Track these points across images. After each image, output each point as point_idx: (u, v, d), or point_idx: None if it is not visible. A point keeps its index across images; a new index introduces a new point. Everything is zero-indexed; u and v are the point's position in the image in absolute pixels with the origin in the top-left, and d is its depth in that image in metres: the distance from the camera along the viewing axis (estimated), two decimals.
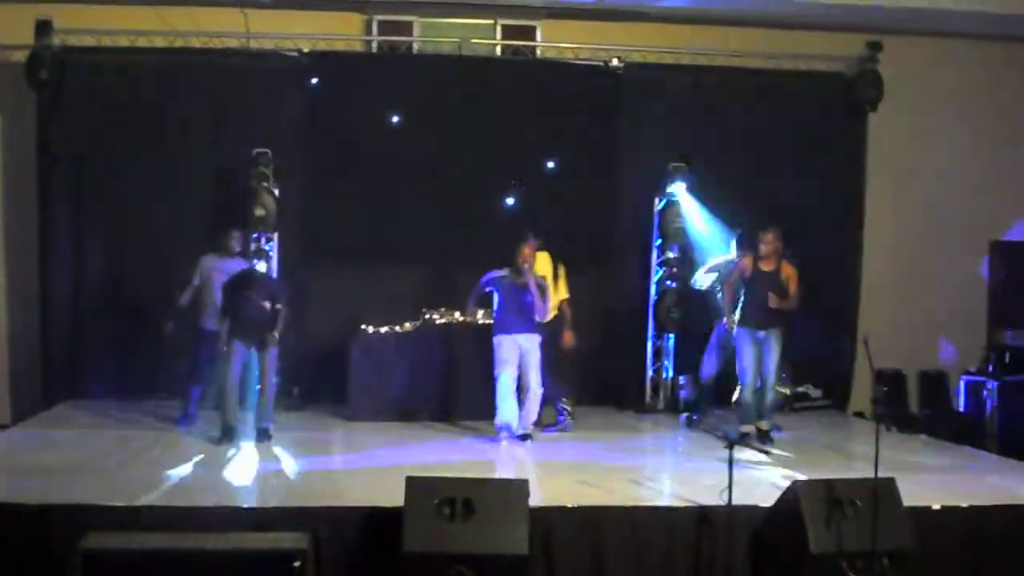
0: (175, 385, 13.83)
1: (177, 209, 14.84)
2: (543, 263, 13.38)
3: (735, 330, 12.71)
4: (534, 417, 12.69)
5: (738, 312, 12.69)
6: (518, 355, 12.55)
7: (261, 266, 12.53)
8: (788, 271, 12.54)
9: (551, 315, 13.01)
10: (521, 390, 12.61)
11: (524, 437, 12.50)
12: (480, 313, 13.59)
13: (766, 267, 12.51)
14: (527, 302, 12.59)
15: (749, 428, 12.50)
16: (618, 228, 15.75)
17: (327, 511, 9.06)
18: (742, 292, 12.68)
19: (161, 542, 8.42)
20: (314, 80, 15.04)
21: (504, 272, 12.78)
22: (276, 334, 12.08)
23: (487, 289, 12.90)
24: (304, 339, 14.43)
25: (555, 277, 13.43)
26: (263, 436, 12.08)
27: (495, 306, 12.92)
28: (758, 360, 12.50)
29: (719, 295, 13.61)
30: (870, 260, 16.22)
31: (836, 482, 8.88)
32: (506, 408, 12.50)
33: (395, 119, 15.08)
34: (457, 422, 13.62)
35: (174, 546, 8.40)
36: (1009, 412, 14.49)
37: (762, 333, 12.47)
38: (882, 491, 8.70)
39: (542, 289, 12.71)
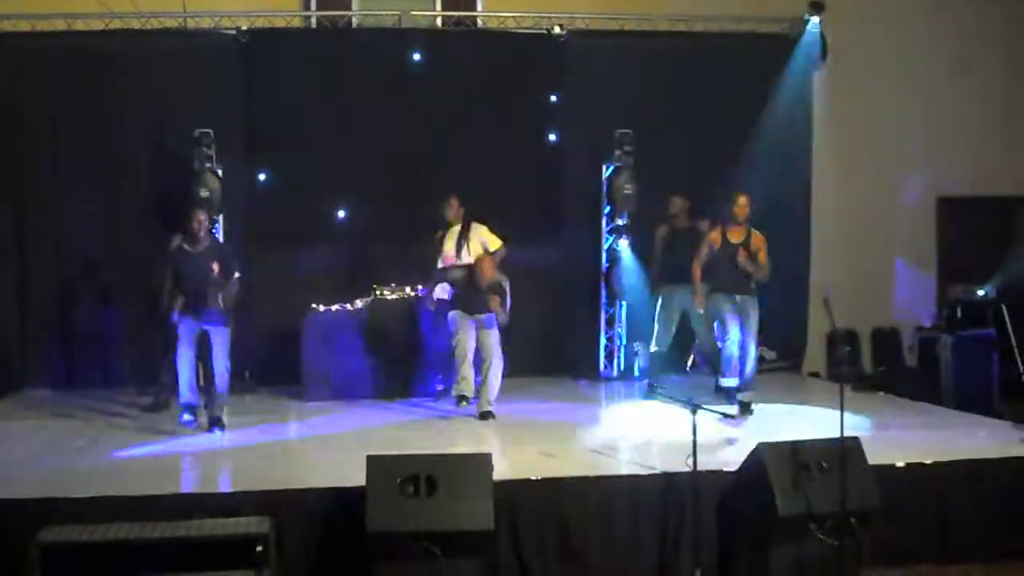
0: (132, 375, 13.89)
1: (121, 193, 14.66)
2: (479, 233, 13.37)
3: (708, 299, 12.66)
4: (495, 393, 12.36)
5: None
6: (474, 329, 12.40)
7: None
8: (758, 241, 12.51)
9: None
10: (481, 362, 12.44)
11: (485, 415, 12.21)
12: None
13: (735, 238, 12.44)
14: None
15: (733, 382, 12.57)
16: (566, 196, 15.65)
17: (288, 494, 8.93)
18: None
19: (120, 532, 8.28)
20: (254, 59, 14.83)
21: (462, 272, 12.67)
22: (221, 302, 11.59)
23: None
24: (254, 320, 14.22)
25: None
26: (216, 425, 11.65)
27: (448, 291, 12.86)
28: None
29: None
30: (819, 220, 16.18)
31: (801, 444, 8.83)
32: (464, 376, 12.43)
33: (338, 95, 14.93)
34: (414, 398, 13.51)
35: (133, 536, 8.26)
36: (963, 367, 14.51)
37: (738, 297, 12.43)
38: (848, 451, 8.64)
39: (501, 293, 12.47)
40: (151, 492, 9.00)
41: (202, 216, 11.76)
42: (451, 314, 12.56)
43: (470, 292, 12.37)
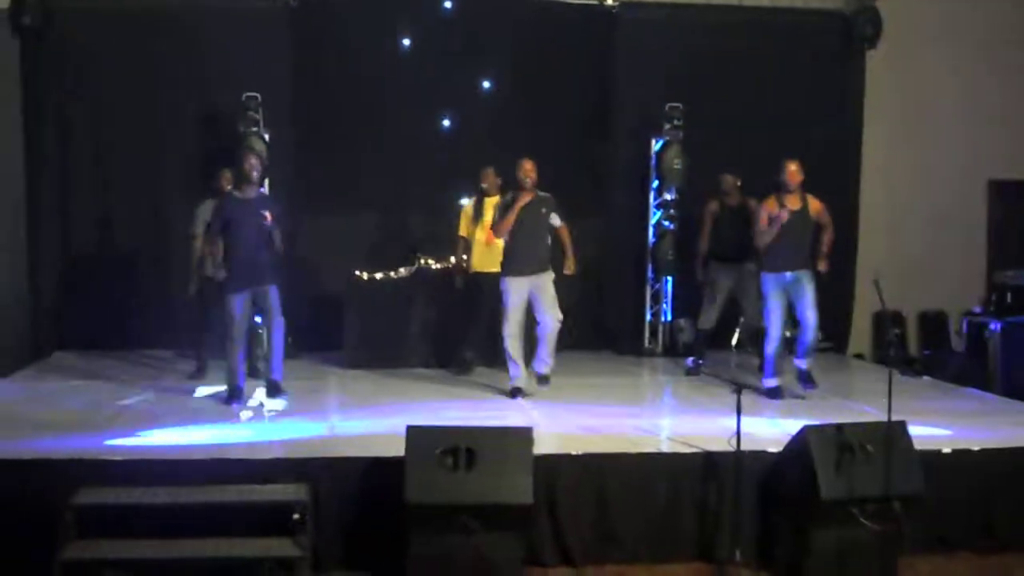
0: (176, 337, 13.89)
1: (166, 156, 14.64)
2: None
3: (762, 275, 12.09)
4: (551, 351, 11.94)
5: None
6: (527, 299, 11.86)
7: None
8: (816, 206, 11.96)
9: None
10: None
11: (542, 379, 11.99)
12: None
13: (793, 205, 11.81)
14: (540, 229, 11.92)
15: (778, 381, 12.01)
16: (614, 169, 15.59)
17: (326, 462, 8.90)
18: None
19: (156, 496, 8.29)
20: (302, 22, 14.75)
21: (509, 195, 12.07)
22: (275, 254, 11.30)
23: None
24: (297, 286, 14.13)
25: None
26: (273, 390, 11.51)
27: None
28: (789, 307, 11.94)
29: None
30: (867, 200, 16.03)
31: (847, 426, 8.71)
32: (517, 367, 11.99)
33: (385, 63, 14.86)
34: (455, 368, 13.40)
35: (170, 500, 8.27)
36: (1012, 353, 14.30)
37: (791, 275, 11.83)
38: (893, 435, 8.54)
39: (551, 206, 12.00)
40: (187, 457, 8.99)
41: (254, 160, 11.47)
42: (505, 283, 11.92)
43: (524, 243, 11.82)
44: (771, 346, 11.97)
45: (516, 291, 11.77)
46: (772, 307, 11.93)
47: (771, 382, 11.99)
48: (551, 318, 11.75)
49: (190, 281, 12.64)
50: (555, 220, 11.96)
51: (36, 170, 14.54)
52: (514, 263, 11.83)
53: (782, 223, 11.66)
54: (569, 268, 12.08)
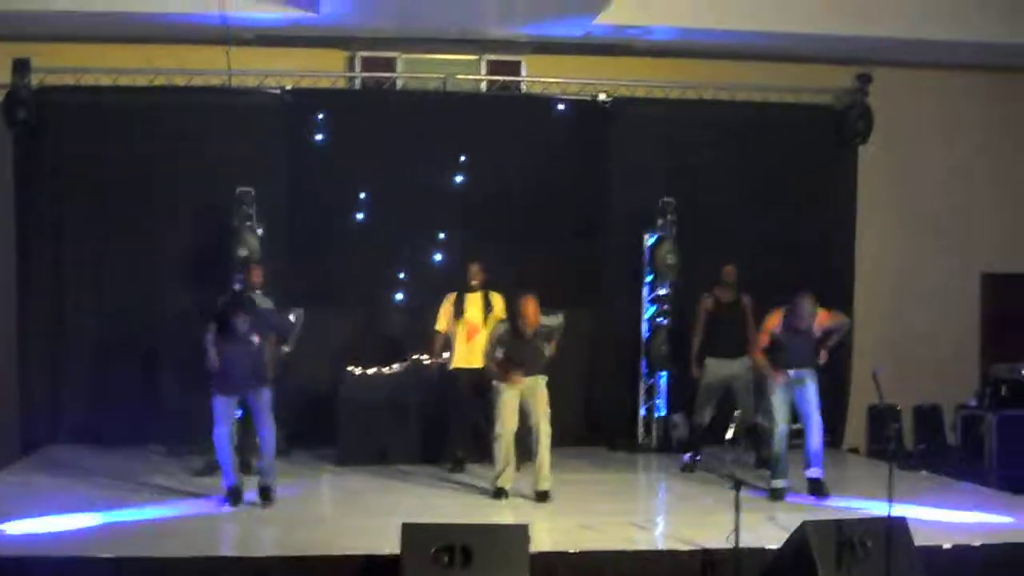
0: (168, 433, 13.79)
1: (160, 249, 14.61)
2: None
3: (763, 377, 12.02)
4: (548, 467, 11.61)
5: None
6: (518, 402, 11.68)
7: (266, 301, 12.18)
8: (823, 319, 11.78)
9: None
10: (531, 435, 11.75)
11: (542, 496, 11.54)
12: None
13: (802, 325, 11.61)
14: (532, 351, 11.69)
15: (785, 483, 11.70)
16: (607, 263, 15.54)
17: (320, 561, 8.78)
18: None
19: None
20: (297, 118, 14.85)
21: (504, 328, 11.83)
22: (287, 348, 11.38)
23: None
24: (289, 381, 14.07)
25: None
26: (266, 496, 11.14)
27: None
28: (793, 403, 11.78)
29: None
30: (861, 294, 16.00)
31: (846, 522, 8.63)
32: (507, 472, 11.70)
33: (379, 157, 14.86)
34: (447, 466, 13.28)
35: None
36: (1007, 446, 14.27)
37: (794, 373, 11.70)
38: (893, 531, 8.46)
39: (547, 335, 11.78)
40: (181, 555, 8.87)
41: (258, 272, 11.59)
42: (497, 386, 11.72)
43: (517, 348, 11.62)
44: (778, 444, 11.81)
45: (509, 391, 11.63)
46: (776, 403, 11.80)
47: (777, 483, 11.73)
48: (544, 425, 11.61)
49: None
50: (547, 349, 11.79)
51: (28, 262, 14.55)
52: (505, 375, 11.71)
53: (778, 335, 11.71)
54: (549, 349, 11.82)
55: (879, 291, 16.39)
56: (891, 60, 15.98)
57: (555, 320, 11.76)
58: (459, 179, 15.12)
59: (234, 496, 11.08)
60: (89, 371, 14.66)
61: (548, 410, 11.64)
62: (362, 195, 14.90)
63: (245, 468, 12.13)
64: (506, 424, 11.60)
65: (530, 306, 11.44)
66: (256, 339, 11.07)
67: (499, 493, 11.64)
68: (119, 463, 13.22)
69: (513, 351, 11.60)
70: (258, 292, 12.90)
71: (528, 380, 11.61)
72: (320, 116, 14.94)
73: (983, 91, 16.88)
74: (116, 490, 11.67)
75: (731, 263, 13.65)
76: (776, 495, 11.57)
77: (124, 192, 14.49)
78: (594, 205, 15.48)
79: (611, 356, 15.37)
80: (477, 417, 13.07)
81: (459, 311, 13.30)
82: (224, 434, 11.08)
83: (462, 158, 15.09)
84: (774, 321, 11.76)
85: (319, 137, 14.90)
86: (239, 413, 11.44)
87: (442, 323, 13.38)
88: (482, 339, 12.63)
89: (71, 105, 14.54)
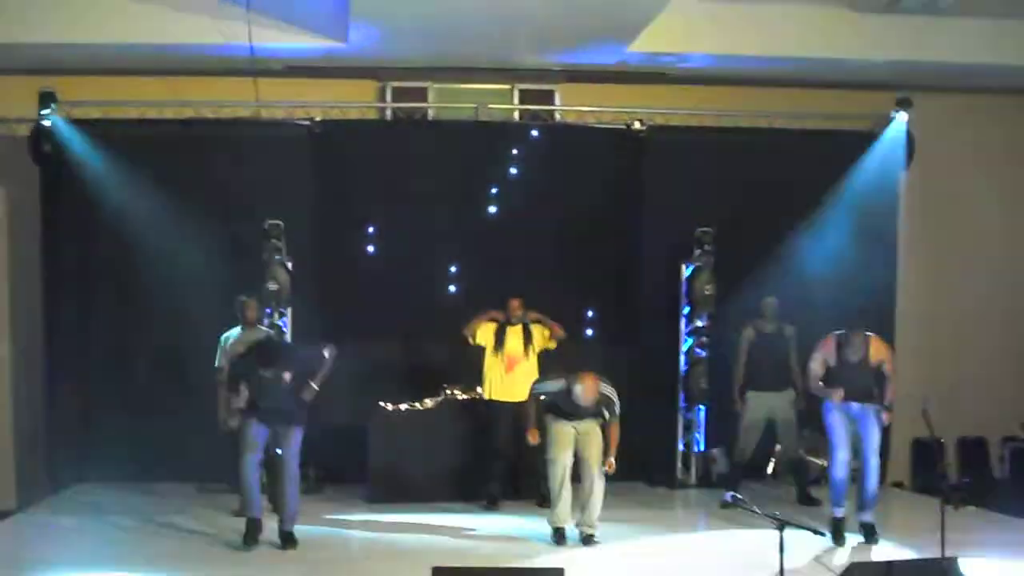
0: (199, 471, 13.69)
1: (188, 283, 14.33)
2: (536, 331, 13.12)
3: (824, 403, 11.41)
4: (597, 513, 11.23)
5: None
6: (574, 441, 11.28)
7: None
8: (878, 350, 11.35)
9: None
10: (579, 480, 11.34)
11: (587, 539, 11.19)
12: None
13: (853, 356, 11.26)
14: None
15: (842, 511, 11.32)
16: (643, 294, 15.25)
17: None
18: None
19: None
20: (327, 150, 14.68)
21: (558, 386, 11.25)
22: (315, 385, 10.98)
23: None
24: (319, 415, 13.80)
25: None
26: (288, 541, 10.82)
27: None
28: (853, 435, 11.33)
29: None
30: (903, 323, 15.65)
31: (897, 564, 8.34)
32: (562, 506, 11.26)
33: (411, 188, 14.69)
34: (483, 504, 13.04)
35: None
36: None
37: (857, 406, 11.27)
38: (945, 572, 8.14)
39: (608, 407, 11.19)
40: None
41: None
42: (548, 420, 11.34)
43: (570, 406, 11.13)
44: (835, 468, 11.36)
45: (562, 430, 11.21)
46: (834, 429, 11.32)
47: (837, 511, 11.32)
48: (597, 475, 11.15)
49: (224, 417, 12.01)
50: (606, 415, 11.16)
51: (55, 299, 14.43)
52: (558, 413, 11.27)
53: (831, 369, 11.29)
54: (609, 466, 11.15)
55: (921, 319, 16.06)
56: (932, 85, 15.66)
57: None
58: (492, 209, 14.94)
59: (251, 530, 10.82)
60: (117, 407, 14.37)
61: (600, 449, 11.16)
62: (391, 225, 14.71)
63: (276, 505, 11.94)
64: (560, 450, 11.15)
65: (590, 383, 10.93)
66: (287, 376, 10.80)
67: (558, 534, 11.25)
68: (145, 503, 13.05)
69: (564, 409, 11.18)
70: (259, 327, 12.89)
71: (582, 425, 11.19)
72: (349, 148, 14.77)
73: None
74: (138, 534, 11.48)
75: (771, 294, 13.39)
76: (835, 526, 11.19)
77: (150, 226, 14.26)
78: (629, 235, 15.23)
79: (649, 389, 15.05)
80: (513, 453, 12.89)
81: (499, 343, 13.15)
82: (251, 462, 10.82)
83: (494, 189, 14.91)
84: (828, 346, 11.37)
85: (348, 169, 14.69)
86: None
87: (476, 335, 13.24)
88: (521, 371, 12.68)
89: (99, 138, 14.30)
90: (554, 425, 11.24)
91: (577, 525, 11.23)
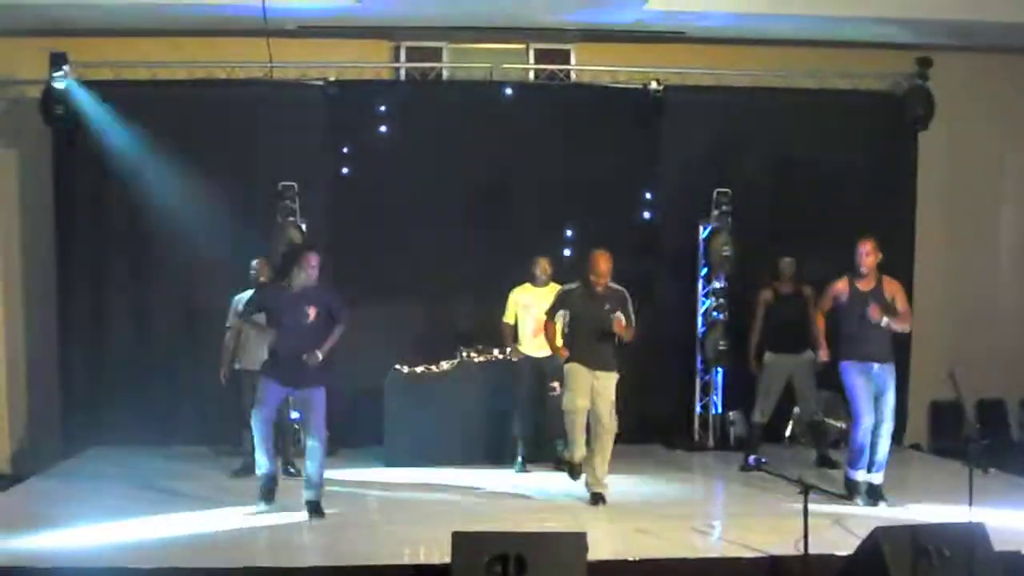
0: (213, 433, 13.62)
1: (200, 246, 14.25)
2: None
3: (841, 364, 11.23)
4: (606, 469, 11.17)
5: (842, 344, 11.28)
6: (591, 390, 11.09)
7: None
8: (892, 287, 11.17)
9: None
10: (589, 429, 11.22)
11: (596, 498, 11.10)
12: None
13: (865, 286, 11.08)
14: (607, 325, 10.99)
15: (863, 474, 11.11)
16: (660, 256, 15.16)
17: (367, 570, 8.51)
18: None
19: None
20: (341, 110, 14.57)
21: (575, 286, 11.34)
22: (319, 353, 10.42)
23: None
24: (336, 378, 13.72)
25: None
26: (313, 511, 10.52)
27: (568, 329, 11.59)
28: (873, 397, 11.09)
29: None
30: (921, 285, 15.45)
31: (922, 528, 8.20)
32: (579, 444, 11.11)
33: (425, 149, 14.56)
34: (501, 467, 12.99)
35: None
36: None
37: (875, 366, 11.06)
38: (973, 537, 8.03)
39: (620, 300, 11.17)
40: (221, 565, 8.61)
41: (314, 259, 10.59)
42: (568, 367, 11.21)
43: (586, 310, 11.11)
44: (860, 434, 11.06)
45: (581, 368, 11.08)
46: (857, 394, 11.06)
47: (859, 475, 11.15)
48: (607, 420, 11.06)
49: (221, 369, 12.38)
50: (619, 316, 11.00)
51: (68, 261, 14.40)
52: (577, 355, 11.17)
53: (843, 305, 11.13)
54: (619, 328, 10.97)
55: (939, 281, 15.95)
56: (951, 45, 15.44)
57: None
58: (507, 171, 14.81)
59: (267, 486, 10.64)
60: (131, 370, 14.42)
61: (613, 405, 11.08)
62: (407, 188, 14.55)
63: (289, 470, 11.87)
64: (577, 399, 11.02)
65: (602, 260, 10.97)
66: (312, 312, 10.47)
67: (572, 469, 11.25)
68: (160, 465, 13.03)
69: (582, 313, 11.13)
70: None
71: (601, 374, 11.07)
72: (363, 108, 14.65)
73: None
74: (154, 495, 11.43)
75: (789, 255, 13.27)
76: (853, 488, 11.09)
77: (163, 188, 14.18)
78: (648, 197, 15.10)
79: (666, 352, 14.96)
80: (541, 412, 12.84)
81: (526, 305, 12.96)
82: (264, 416, 10.49)
83: (510, 149, 14.74)
84: (840, 284, 11.20)
85: (362, 129, 14.61)
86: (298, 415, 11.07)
87: (510, 315, 13.05)
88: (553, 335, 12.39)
89: (111, 99, 14.22)
90: (572, 371, 11.10)
91: (587, 484, 11.14)
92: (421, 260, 14.53)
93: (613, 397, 11.10)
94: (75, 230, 14.38)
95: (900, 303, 11.15)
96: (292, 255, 10.73)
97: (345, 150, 14.60)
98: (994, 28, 14.82)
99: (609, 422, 11.05)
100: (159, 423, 14.09)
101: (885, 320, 10.93)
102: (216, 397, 13.08)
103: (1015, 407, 16.08)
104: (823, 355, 11.56)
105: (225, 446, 13.25)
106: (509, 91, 14.99)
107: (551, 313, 11.44)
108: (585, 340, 11.12)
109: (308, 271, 10.43)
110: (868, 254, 11.02)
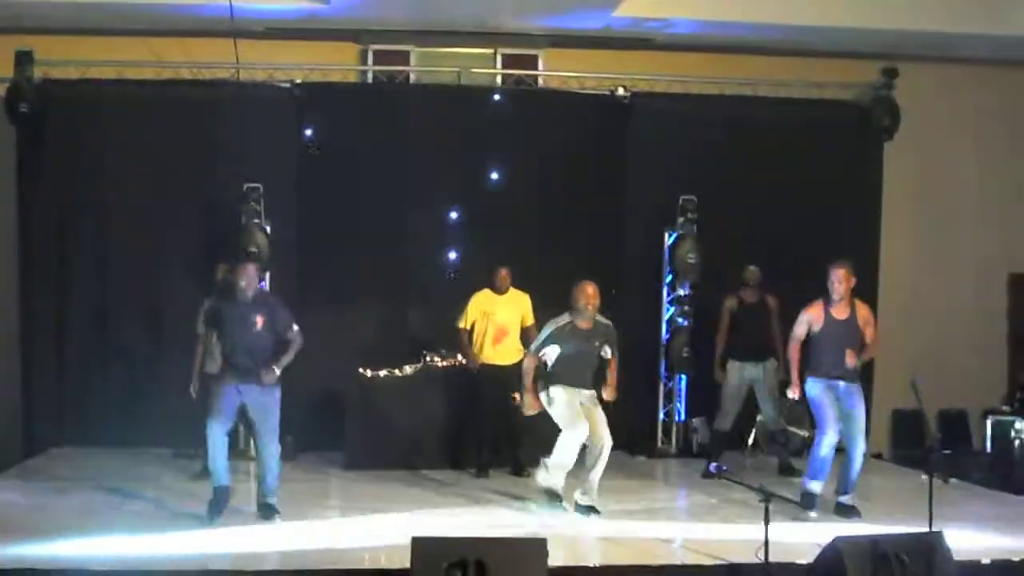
0: (175, 436, 13.44)
1: (165, 247, 14.29)
2: (521, 302, 12.97)
3: (808, 378, 11.13)
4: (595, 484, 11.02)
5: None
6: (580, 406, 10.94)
7: None
8: (863, 313, 11.12)
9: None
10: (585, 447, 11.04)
11: (590, 510, 10.87)
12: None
13: (839, 314, 11.00)
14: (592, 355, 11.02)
15: (819, 487, 11.08)
16: (625, 263, 15.17)
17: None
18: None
19: None
20: (308, 113, 14.58)
21: (565, 321, 10.99)
22: (276, 369, 10.35)
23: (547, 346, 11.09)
24: (297, 382, 13.64)
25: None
26: (267, 513, 10.49)
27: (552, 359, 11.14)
28: (839, 412, 11.01)
29: None
30: (885, 294, 15.51)
31: (882, 537, 8.22)
32: (563, 473, 10.98)
33: (391, 152, 14.54)
34: (462, 472, 12.97)
35: None
36: None
37: (843, 386, 11.02)
38: (931, 546, 8.07)
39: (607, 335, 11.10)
40: (181, 568, 8.59)
41: (251, 270, 10.62)
42: (554, 391, 10.93)
43: (576, 347, 10.91)
44: (823, 447, 11.02)
45: (568, 393, 10.91)
46: (823, 408, 11.02)
47: (814, 486, 11.10)
48: (608, 441, 10.95)
49: (191, 381, 12.26)
50: (606, 352, 11.08)
51: (30, 260, 14.34)
52: (559, 380, 10.96)
53: (818, 332, 11.05)
54: (608, 394, 11.07)
55: (904, 290, 15.99)
56: (917, 55, 15.56)
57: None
58: (473, 176, 14.81)
59: (217, 500, 10.42)
60: (94, 371, 14.38)
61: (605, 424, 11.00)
62: (373, 191, 14.53)
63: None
64: (579, 419, 10.79)
65: (590, 287, 10.86)
66: (259, 320, 10.43)
67: (553, 496, 11.08)
68: (120, 468, 12.90)
69: (572, 350, 10.92)
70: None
71: (585, 392, 10.99)
72: (330, 111, 14.63)
73: (1012, 86, 16.46)
74: (112, 498, 11.35)
75: (754, 264, 13.28)
76: (809, 501, 11.04)
77: (129, 188, 14.23)
78: (612, 203, 15.14)
79: (630, 358, 14.90)
80: (502, 420, 12.79)
81: (487, 312, 12.95)
82: (217, 428, 10.35)
83: (476, 154, 14.78)
84: (814, 311, 11.11)
85: (328, 132, 14.58)
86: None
87: (467, 320, 13.02)
88: (511, 341, 12.63)
89: (75, 99, 14.22)
90: (564, 395, 10.90)
91: (583, 493, 10.94)
92: (385, 263, 14.54)
93: (602, 412, 11.04)
94: (39, 228, 14.31)
95: (869, 333, 11.14)
96: (234, 267, 10.88)
97: (311, 152, 14.53)
98: (959, 39, 14.99)
99: (607, 439, 10.95)
100: (121, 425, 13.93)
101: (853, 365, 10.97)
102: (179, 399, 13.00)
103: (976, 418, 16.10)
104: (795, 393, 11.30)
105: (187, 448, 13.13)
106: (497, 97, 15.10)
107: (537, 349, 11.08)
108: (573, 372, 10.97)
109: (246, 280, 10.45)
110: (841, 280, 10.96)
